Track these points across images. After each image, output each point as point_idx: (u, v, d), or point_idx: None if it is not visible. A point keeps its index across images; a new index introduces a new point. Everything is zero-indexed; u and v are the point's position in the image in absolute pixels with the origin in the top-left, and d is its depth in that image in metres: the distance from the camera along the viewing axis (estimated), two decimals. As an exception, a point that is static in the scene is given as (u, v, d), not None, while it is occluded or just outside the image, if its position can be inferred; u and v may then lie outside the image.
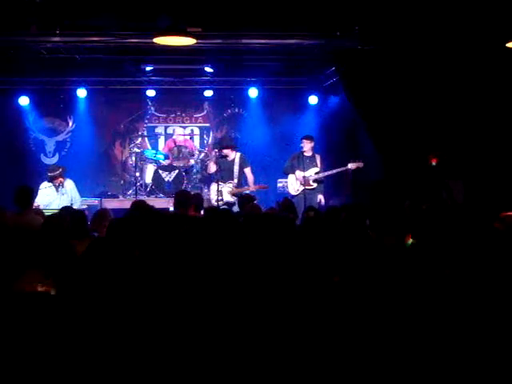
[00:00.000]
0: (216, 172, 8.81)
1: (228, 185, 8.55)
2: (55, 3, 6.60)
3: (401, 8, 6.71)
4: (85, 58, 8.99)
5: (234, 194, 8.56)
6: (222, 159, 8.96)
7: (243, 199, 6.73)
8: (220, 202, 8.19)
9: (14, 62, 9.09)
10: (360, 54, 7.97)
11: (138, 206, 5.63)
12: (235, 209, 7.98)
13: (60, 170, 8.41)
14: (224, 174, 8.74)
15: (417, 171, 7.99)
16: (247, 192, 8.75)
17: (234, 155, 8.86)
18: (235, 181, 8.70)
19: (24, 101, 10.85)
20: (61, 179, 8.31)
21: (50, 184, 8.30)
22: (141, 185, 10.25)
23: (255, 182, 9.06)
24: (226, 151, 8.84)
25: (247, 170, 8.88)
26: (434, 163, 7.95)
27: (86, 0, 6.70)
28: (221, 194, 8.36)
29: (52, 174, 8.30)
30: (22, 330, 2.18)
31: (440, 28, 7.00)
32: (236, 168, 8.73)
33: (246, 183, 9.06)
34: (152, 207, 5.64)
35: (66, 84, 10.77)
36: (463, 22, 6.77)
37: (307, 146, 8.87)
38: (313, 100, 11.10)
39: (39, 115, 11.22)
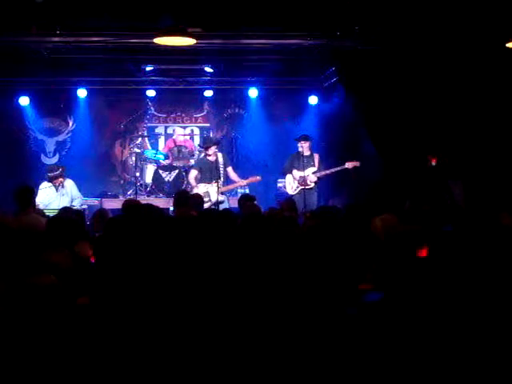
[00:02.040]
0: (198, 175, 8.61)
1: (214, 184, 8.29)
2: (55, 3, 6.59)
3: (401, 8, 6.72)
4: (85, 58, 9.00)
5: (222, 193, 8.42)
6: (203, 160, 8.77)
7: (243, 199, 6.71)
8: (208, 203, 8.06)
9: (14, 62, 9.10)
10: (360, 54, 7.98)
11: (130, 206, 5.51)
12: (225, 207, 7.97)
13: (60, 169, 8.41)
14: (206, 174, 8.51)
15: (417, 171, 8.00)
16: (246, 191, 8.73)
17: (216, 155, 8.62)
18: (222, 179, 8.50)
19: (24, 101, 10.85)
20: (61, 179, 8.31)
21: (50, 184, 8.30)
22: (141, 185, 10.26)
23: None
24: (212, 149, 8.57)
25: (230, 169, 8.71)
26: (433, 163, 7.95)
27: (86, 0, 6.70)
28: (208, 194, 8.26)
29: (52, 174, 8.30)
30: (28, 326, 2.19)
31: (440, 28, 7.00)
32: (221, 168, 8.56)
33: (228, 182, 8.91)
34: (148, 206, 5.51)
35: (66, 84, 10.77)
36: (463, 22, 6.77)
37: (304, 146, 8.85)
38: (313, 100, 11.10)
39: (39, 115, 11.22)
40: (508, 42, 6.43)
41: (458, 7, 6.56)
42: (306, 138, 8.94)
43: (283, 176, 9.19)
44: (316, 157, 8.94)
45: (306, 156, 8.83)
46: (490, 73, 7.42)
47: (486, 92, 7.56)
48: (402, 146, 8.11)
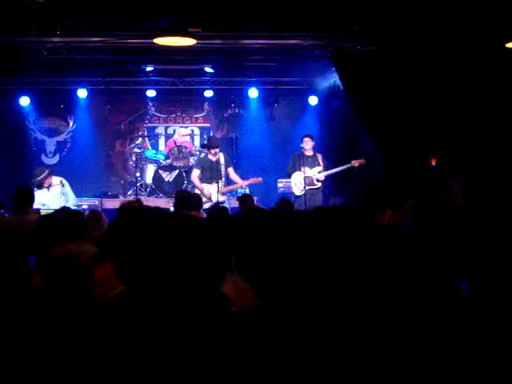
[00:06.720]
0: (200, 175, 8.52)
1: (215, 185, 8.16)
2: (55, 3, 6.60)
3: (401, 8, 6.72)
4: (85, 58, 9.01)
5: (223, 193, 8.37)
6: (205, 159, 8.66)
7: (243, 198, 6.69)
8: (209, 204, 8.02)
9: (14, 63, 9.11)
10: (360, 54, 7.98)
11: (126, 210, 5.36)
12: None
13: (46, 171, 8.01)
14: (207, 174, 8.42)
15: (417, 171, 7.99)
16: (246, 191, 8.70)
17: (217, 155, 8.57)
18: (223, 179, 8.44)
19: (25, 101, 10.87)
20: (49, 180, 7.92)
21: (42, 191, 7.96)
22: (141, 185, 10.26)
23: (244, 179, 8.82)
24: (215, 151, 8.52)
25: (231, 170, 8.63)
26: (433, 163, 7.95)
27: (86, 0, 6.71)
28: (209, 195, 8.22)
29: (39, 179, 7.83)
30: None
31: (440, 28, 7.00)
32: (223, 168, 8.50)
33: (229, 183, 8.84)
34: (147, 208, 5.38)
35: (66, 84, 10.79)
36: (463, 22, 6.77)
37: (309, 145, 8.81)
38: (313, 100, 11.10)
39: (40, 115, 11.24)
40: (508, 42, 6.43)
41: (457, 7, 6.56)
42: (312, 137, 8.94)
43: (289, 177, 9.06)
44: (319, 156, 8.91)
45: (310, 156, 8.81)
46: (490, 73, 7.42)
47: (485, 92, 7.55)
48: (402, 145, 8.10)
